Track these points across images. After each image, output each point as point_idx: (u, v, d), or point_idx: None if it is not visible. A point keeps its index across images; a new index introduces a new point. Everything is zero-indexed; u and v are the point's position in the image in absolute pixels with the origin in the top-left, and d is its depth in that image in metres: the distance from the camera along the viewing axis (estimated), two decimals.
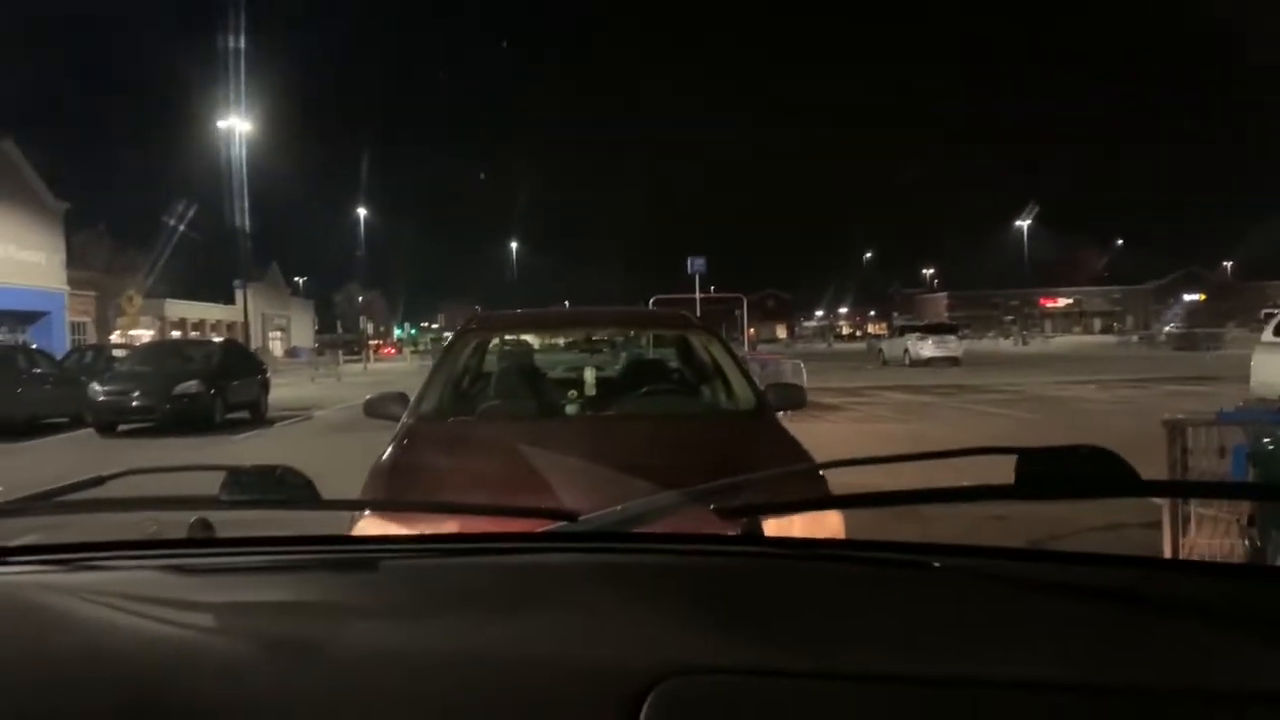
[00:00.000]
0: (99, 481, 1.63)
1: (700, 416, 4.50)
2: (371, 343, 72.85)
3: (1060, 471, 1.26)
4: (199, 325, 66.45)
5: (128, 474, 1.67)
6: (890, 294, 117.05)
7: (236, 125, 42.69)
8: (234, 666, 0.93)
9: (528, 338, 7.17)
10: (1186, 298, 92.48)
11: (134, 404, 15.67)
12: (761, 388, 4.72)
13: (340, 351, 64.25)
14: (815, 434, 8.44)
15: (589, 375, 5.30)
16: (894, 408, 17.81)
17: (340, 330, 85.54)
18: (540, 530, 1.38)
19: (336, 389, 29.03)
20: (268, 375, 19.62)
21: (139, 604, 1.07)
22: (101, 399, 15.74)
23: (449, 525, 1.85)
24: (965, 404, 18.07)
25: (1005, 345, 65.02)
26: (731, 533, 1.30)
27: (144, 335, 49.02)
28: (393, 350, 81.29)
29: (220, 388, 16.64)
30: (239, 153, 42.78)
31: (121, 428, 16.10)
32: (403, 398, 4.63)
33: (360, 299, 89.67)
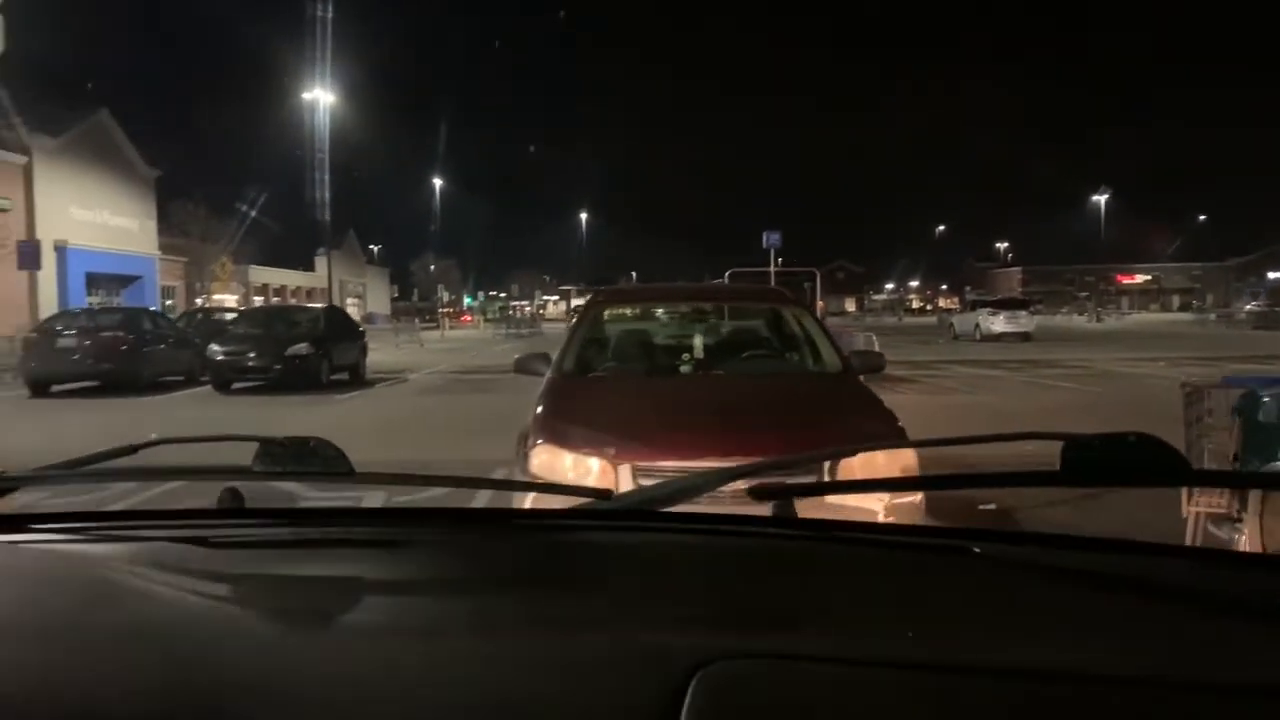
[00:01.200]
0: (132, 450, 1.63)
1: (795, 376, 5.36)
2: (442, 310, 74.72)
3: (1107, 458, 1.26)
4: (280, 291, 68.80)
5: (159, 443, 1.69)
6: (963, 268, 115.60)
7: (320, 97, 44.27)
8: (262, 641, 0.93)
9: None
10: (1270, 276, 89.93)
11: (249, 363, 16.98)
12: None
13: (417, 319, 66.20)
14: (890, 406, 9.13)
15: (698, 340, 6.15)
16: (962, 381, 18.38)
17: (414, 297, 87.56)
18: (571, 508, 1.38)
19: (421, 355, 30.32)
20: (366, 340, 20.90)
21: (166, 574, 1.07)
22: (220, 358, 17.09)
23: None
24: (1032, 378, 18.55)
25: (1079, 321, 64.24)
26: (763, 514, 1.27)
27: (229, 300, 51.24)
28: (469, 318, 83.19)
29: (326, 350, 17.90)
30: (322, 124, 44.36)
31: (236, 385, 17.44)
32: (546, 357, 5.56)
33: (433, 268, 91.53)
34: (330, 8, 38.60)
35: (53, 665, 0.83)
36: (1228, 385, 4.17)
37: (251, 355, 16.98)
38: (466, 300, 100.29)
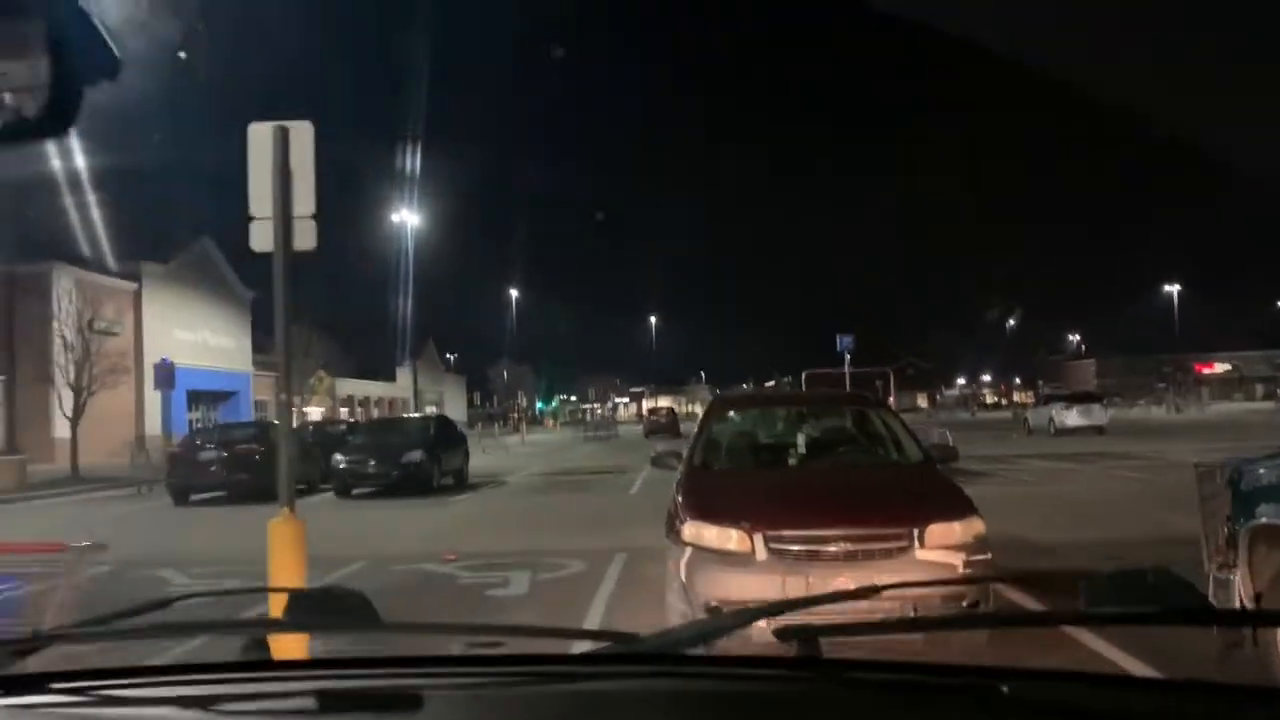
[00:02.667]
0: (165, 604, 1.66)
1: (883, 465, 6.61)
2: (515, 416, 77.00)
3: (1127, 597, 1.27)
4: (364, 402, 71.55)
5: (191, 596, 1.76)
6: (1036, 361, 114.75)
7: (406, 219, 47.20)
8: None
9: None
10: None
11: (370, 470, 18.59)
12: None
13: (496, 425, 68.22)
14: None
15: (799, 438, 7.41)
16: (1036, 473, 19.18)
17: (495, 403, 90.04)
18: (597, 652, 1.38)
19: (509, 459, 31.80)
20: (468, 447, 22.49)
21: None
22: (343, 466, 18.74)
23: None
24: (1103, 470, 19.27)
25: (1157, 413, 63.56)
26: (788, 655, 1.28)
27: (315, 412, 53.87)
28: (551, 423, 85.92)
29: (437, 457, 19.47)
30: (404, 246, 47.23)
31: (355, 491, 19.01)
32: (677, 455, 6.88)
33: (505, 375, 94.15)
34: (411, 139, 41.53)
35: None
36: (1231, 464, 5.20)
37: (371, 463, 18.59)
38: (539, 405, 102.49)
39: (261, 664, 1.45)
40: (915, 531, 5.22)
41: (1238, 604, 4.40)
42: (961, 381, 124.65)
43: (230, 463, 18.79)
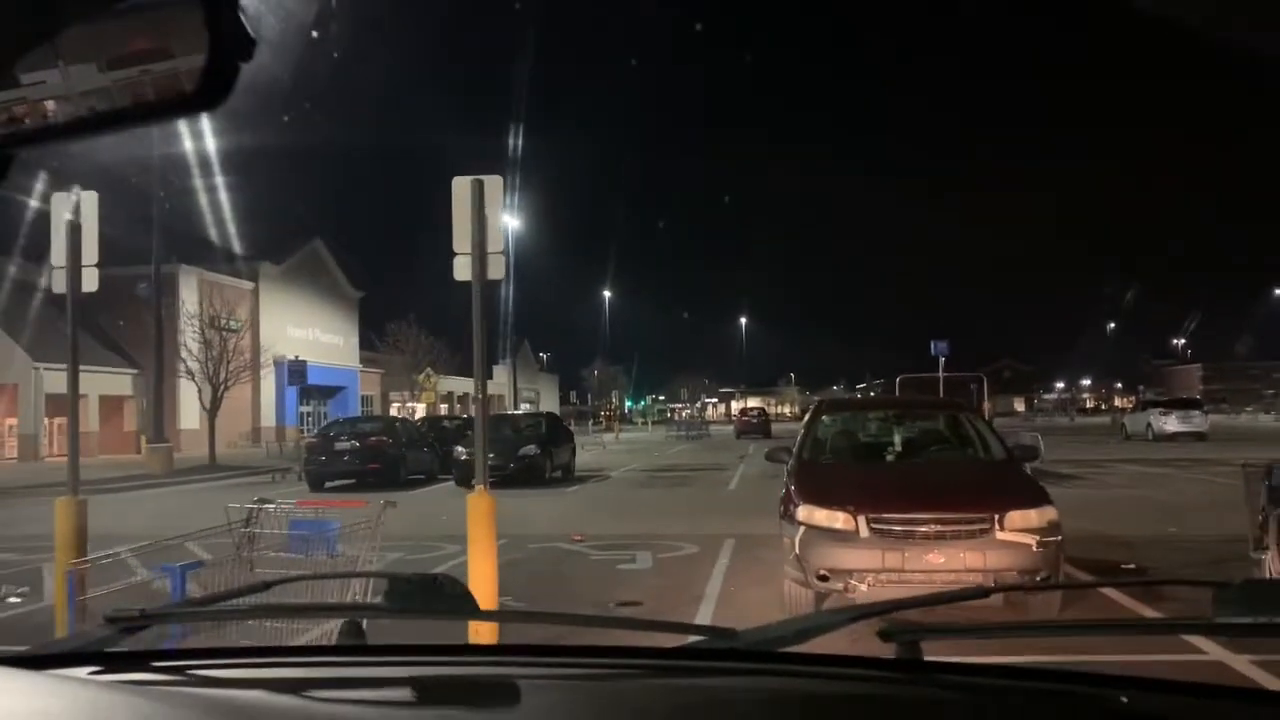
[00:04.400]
0: (265, 586, 1.73)
1: (971, 461, 7.59)
2: (607, 414, 78.75)
3: (1258, 606, 1.23)
4: (462, 399, 73.94)
5: (292, 580, 1.86)
6: (1139, 365, 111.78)
7: (506, 222, 48.91)
8: None
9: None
10: None
11: (489, 463, 20.01)
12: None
13: (590, 423, 69.90)
14: (1054, 497, 11.00)
15: (896, 437, 8.43)
16: (1127, 478, 19.63)
17: (590, 401, 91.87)
18: (695, 646, 1.36)
19: (608, 456, 33.14)
20: (575, 443, 23.88)
21: (283, 713, 1.11)
22: (464, 458, 20.22)
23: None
24: (1197, 476, 19.60)
25: (1266, 420, 61.79)
26: (888, 656, 1.26)
27: (420, 408, 56.17)
28: (642, 421, 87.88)
29: (549, 451, 20.87)
30: (507, 247, 48.94)
31: (474, 481, 20.45)
32: (787, 450, 7.95)
33: (596, 373, 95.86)
34: (516, 144, 43.20)
35: None
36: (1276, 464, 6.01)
37: (490, 456, 20.00)
38: (628, 404, 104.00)
39: (356, 649, 1.45)
40: (996, 516, 6.21)
41: (1269, 578, 5.28)
42: (1060, 386, 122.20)
43: (362, 453, 20.49)
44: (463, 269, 6.30)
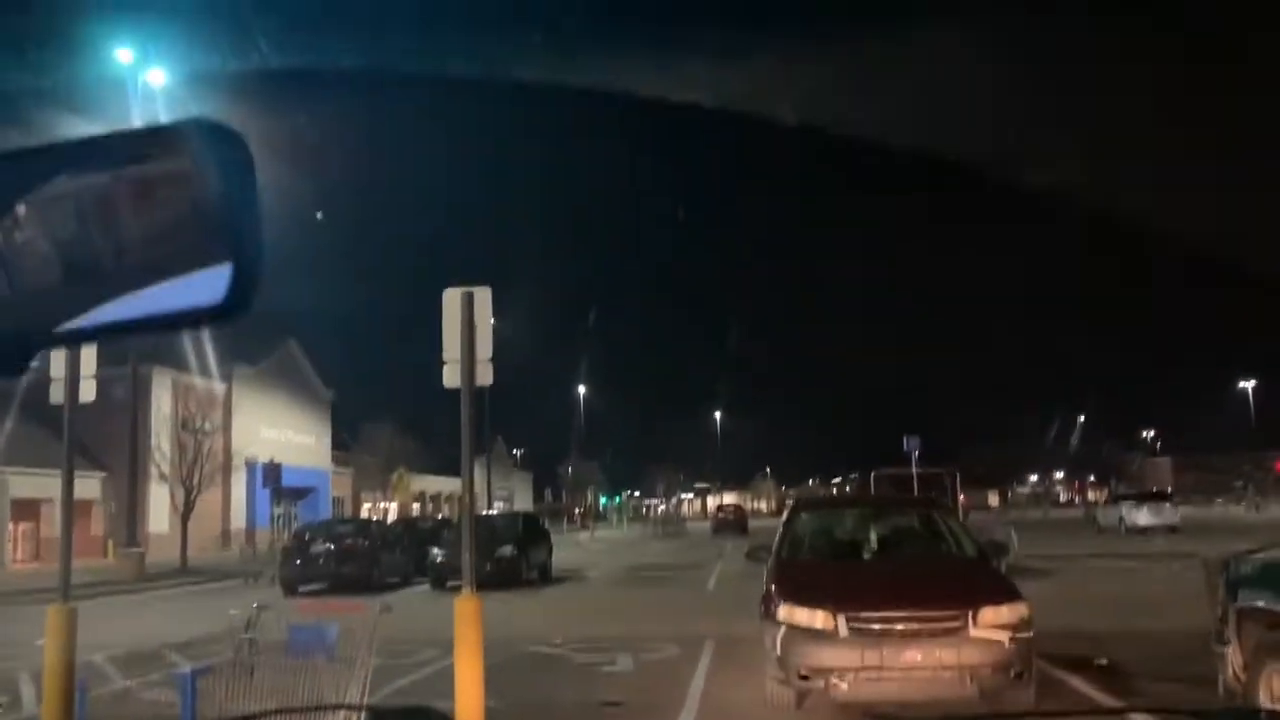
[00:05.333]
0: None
1: (944, 559, 7.82)
2: (581, 512, 78.29)
3: None
4: (435, 498, 73.32)
5: (263, 715, 1.83)
6: (1107, 458, 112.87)
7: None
8: None
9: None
10: None
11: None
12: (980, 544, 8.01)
13: (565, 521, 69.45)
14: (1025, 593, 11.19)
15: (873, 534, 8.64)
16: (1098, 573, 19.85)
17: (564, 498, 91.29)
18: None
19: (585, 555, 33.00)
20: (551, 542, 23.81)
21: None
22: (440, 560, 20.13)
23: None
24: (1165, 570, 19.83)
25: (1236, 511, 62.41)
26: None
27: (390, 508, 55.73)
28: (617, 519, 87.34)
29: (525, 551, 20.81)
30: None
31: (450, 584, 20.32)
32: (766, 549, 8.15)
33: (570, 470, 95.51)
34: (491, 240, 43.96)
35: None
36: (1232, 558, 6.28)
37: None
38: (603, 501, 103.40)
39: None
40: (969, 613, 6.42)
41: (1230, 673, 5.50)
42: (1034, 479, 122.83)
43: (337, 556, 20.33)
44: (452, 376, 6.56)
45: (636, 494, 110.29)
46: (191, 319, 1.05)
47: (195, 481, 29.16)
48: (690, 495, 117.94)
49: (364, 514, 50.80)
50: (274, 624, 4.82)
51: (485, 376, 6.61)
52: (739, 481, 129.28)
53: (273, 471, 26.34)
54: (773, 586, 7.19)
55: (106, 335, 1.07)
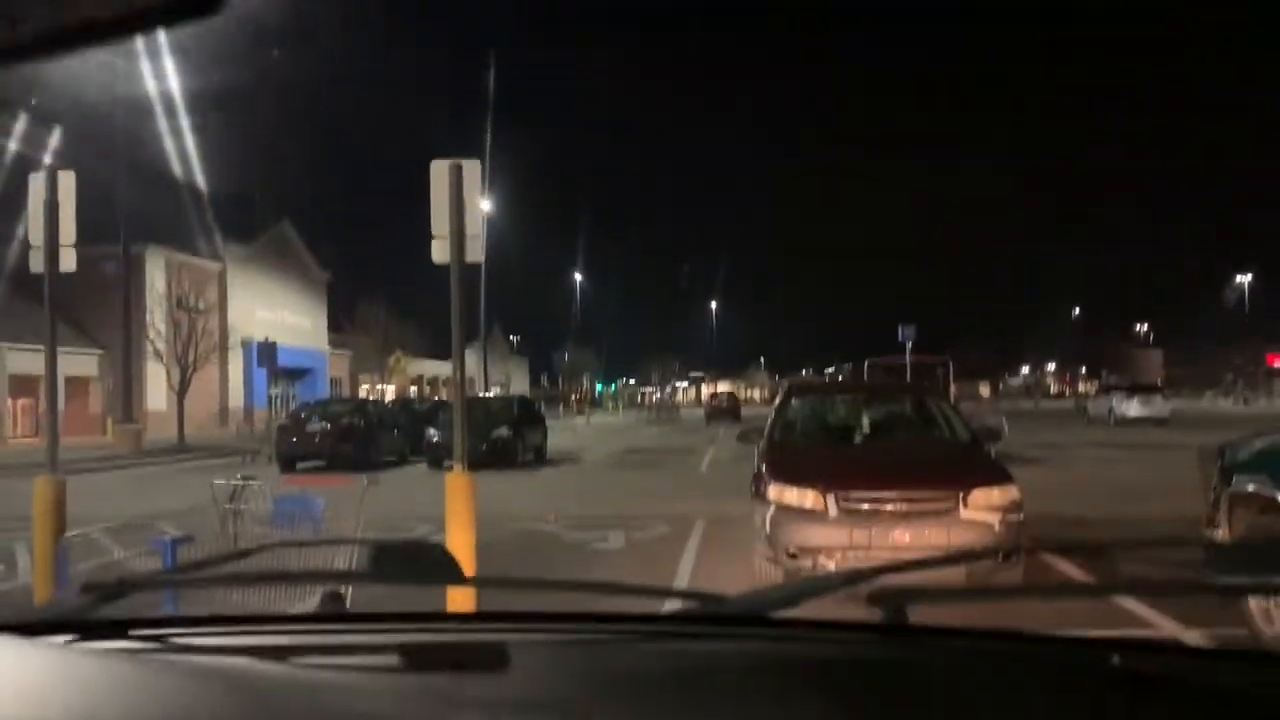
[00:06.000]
0: (244, 554, 1.72)
1: (935, 442, 7.80)
2: (577, 398, 78.85)
3: (1254, 566, 1.29)
4: (432, 382, 73.72)
5: (272, 548, 1.81)
6: (1102, 350, 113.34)
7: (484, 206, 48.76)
8: None
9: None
10: None
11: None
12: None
13: (561, 406, 70.01)
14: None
15: (865, 419, 8.63)
16: (1087, 461, 20.05)
17: (558, 385, 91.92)
18: (685, 612, 1.36)
19: (577, 439, 33.31)
20: (546, 425, 23.99)
21: (261, 681, 1.06)
22: (436, 440, 20.28)
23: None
24: (1154, 459, 20.05)
25: (1225, 405, 63.05)
26: (875, 620, 1.26)
27: (390, 390, 56.03)
28: (612, 405, 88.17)
29: (521, 433, 20.99)
30: (481, 234, 48.78)
31: (446, 463, 20.50)
32: (758, 431, 8.13)
33: (567, 357, 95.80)
34: (480, 121, 43.02)
35: None
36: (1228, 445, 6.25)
37: None
38: (599, 388, 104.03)
39: (339, 616, 1.43)
40: (960, 495, 6.42)
41: None
42: (1026, 370, 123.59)
43: (334, 435, 20.49)
44: (440, 252, 6.39)
45: (632, 382, 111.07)
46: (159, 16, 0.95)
47: (190, 360, 29.16)
48: (685, 384, 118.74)
49: (362, 395, 50.98)
50: (260, 496, 4.80)
51: (475, 252, 6.45)
52: (734, 371, 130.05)
53: (268, 350, 26.32)
54: (764, 467, 7.19)
55: (60, 45, 0.94)
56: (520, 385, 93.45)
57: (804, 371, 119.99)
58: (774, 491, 6.70)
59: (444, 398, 52.45)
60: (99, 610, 1.35)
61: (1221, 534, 5.63)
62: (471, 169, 6.41)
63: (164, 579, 1.82)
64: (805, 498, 6.53)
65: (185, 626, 1.33)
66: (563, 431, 38.06)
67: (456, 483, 6.47)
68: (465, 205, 6.37)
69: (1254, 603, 5.18)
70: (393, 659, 1.14)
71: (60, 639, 1.22)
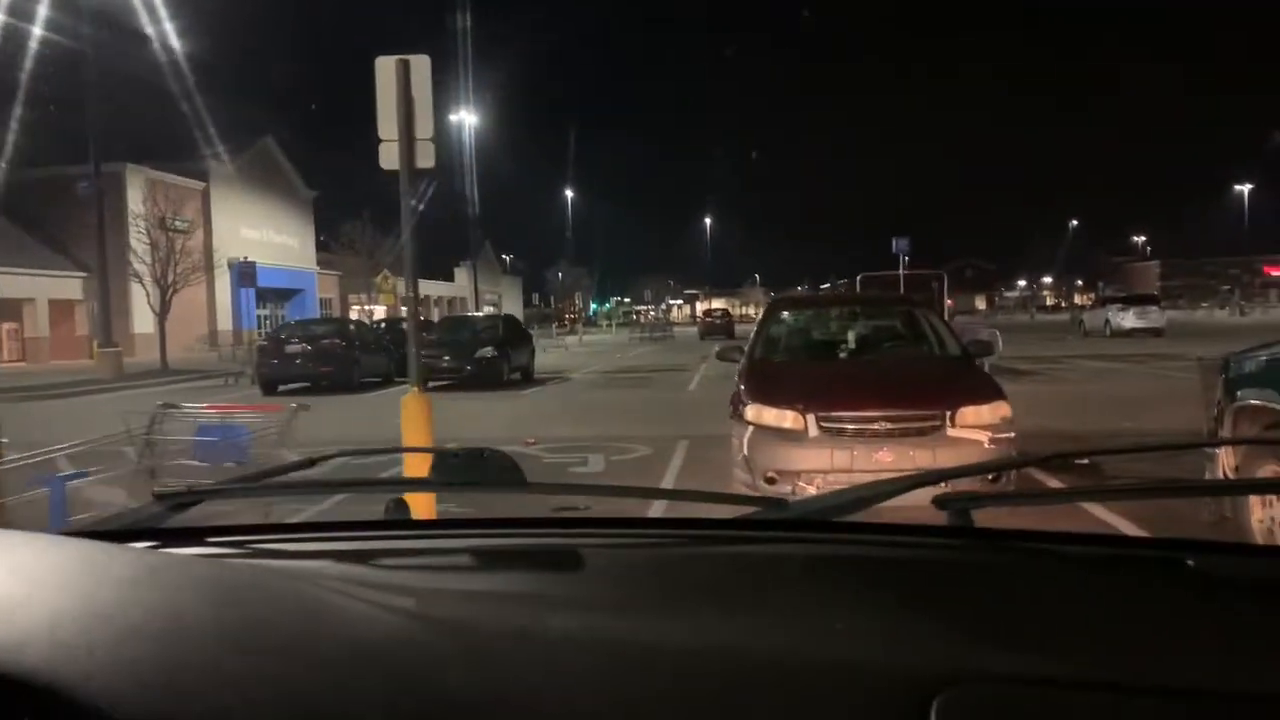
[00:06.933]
0: (310, 463, 1.69)
1: (924, 358, 7.42)
2: (572, 316, 78.37)
3: None
4: (423, 301, 73.10)
5: (337, 455, 1.76)
6: (1098, 263, 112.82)
7: (464, 118, 47.72)
8: (430, 656, 0.88)
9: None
10: None
11: (444, 365, 19.71)
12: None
13: (554, 325, 69.58)
14: (1008, 393, 10.87)
15: (850, 334, 8.23)
16: (1083, 373, 19.75)
17: (551, 304, 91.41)
18: (750, 517, 1.35)
19: (570, 358, 32.97)
20: (533, 345, 23.59)
21: (340, 585, 1.05)
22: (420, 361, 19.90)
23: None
24: (1151, 370, 19.79)
25: (1221, 316, 62.81)
26: (941, 523, 1.24)
27: (379, 310, 55.48)
28: (606, 323, 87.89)
29: (506, 353, 20.59)
30: (464, 144, 47.81)
31: (431, 384, 20.18)
32: (740, 349, 7.74)
33: (561, 275, 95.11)
34: (468, 29, 41.73)
35: (222, 673, 0.76)
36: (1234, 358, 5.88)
37: (446, 358, 19.73)
38: (594, 306, 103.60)
39: (413, 523, 1.45)
40: (947, 413, 6.05)
41: (1221, 473, 5.18)
42: (1022, 284, 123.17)
43: (314, 356, 20.08)
44: (389, 157, 5.91)
45: (628, 300, 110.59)
46: None
47: (170, 281, 28.57)
48: (680, 302, 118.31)
49: (352, 316, 50.48)
50: (183, 425, 4.43)
51: (426, 158, 5.96)
52: (730, 288, 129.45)
53: (247, 270, 25.78)
54: (742, 386, 6.81)
55: None
56: (513, 304, 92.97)
57: (800, 287, 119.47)
58: (751, 411, 6.33)
59: (436, 317, 52.10)
60: (172, 519, 1.39)
61: (1225, 450, 5.28)
62: (420, 65, 5.89)
63: (234, 488, 1.83)
64: (784, 418, 6.16)
65: (263, 534, 1.35)
66: (553, 350, 37.77)
67: (411, 405, 6.09)
68: (415, 105, 5.87)
69: (1256, 517, 4.88)
70: (470, 560, 1.22)
71: (138, 546, 1.23)
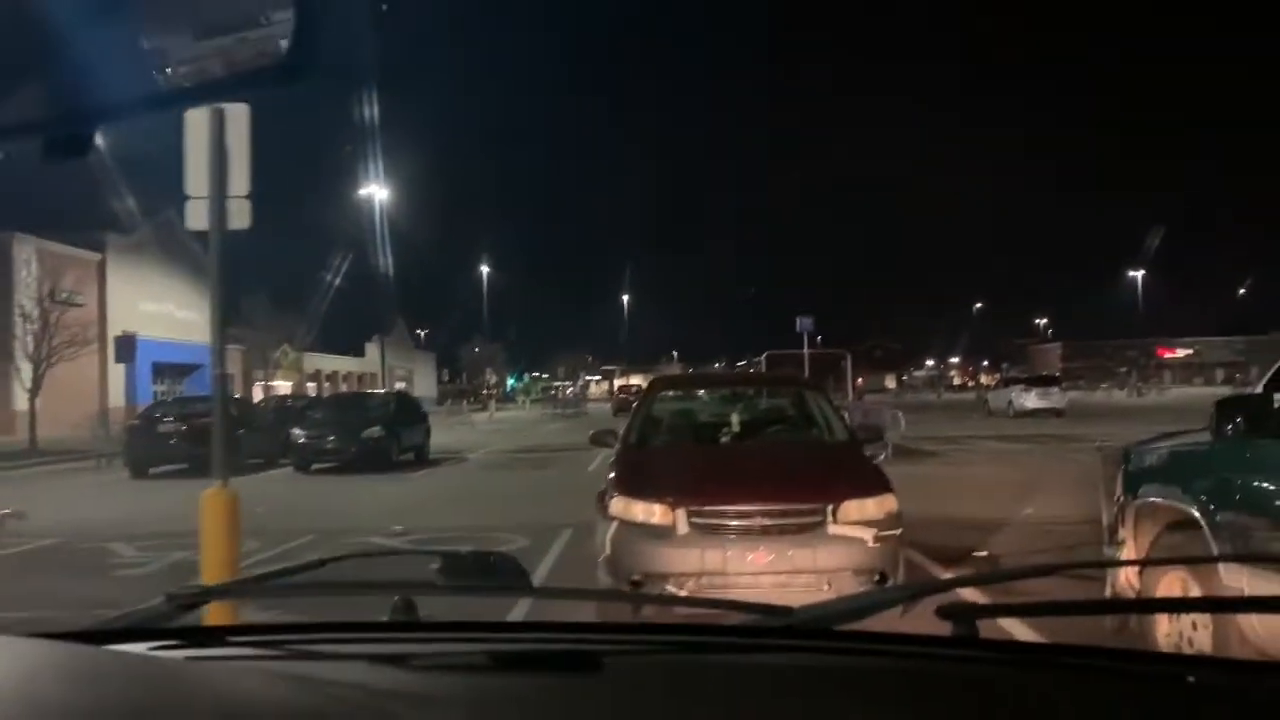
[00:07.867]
0: (320, 564, 1.66)
1: (809, 444, 6.85)
2: (486, 393, 77.00)
3: None
4: (331, 377, 71.22)
5: (347, 558, 1.75)
6: (1003, 343, 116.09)
7: (375, 194, 46.97)
8: None
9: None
10: None
11: (328, 446, 18.68)
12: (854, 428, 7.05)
13: (465, 402, 68.19)
14: (908, 475, 10.43)
15: (734, 417, 7.65)
16: (986, 455, 19.59)
17: (465, 380, 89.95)
18: (756, 625, 1.36)
19: (474, 436, 31.97)
20: (429, 423, 22.60)
21: (355, 691, 1.06)
22: (302, 441, 18.81)
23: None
24: (1052, 452, 19.71)
25: (1119, 396, 64.63)
26: (946, 634, 1.23)
27: (284, 386, 53.65)
28: (522, 400, 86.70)
29: (396, 433, 19.58)
30: (374, 221, 47.05)
31: (315, 466, 19.07)
32: (614, 433, 7.08)
33: (477, 350, 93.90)
34: (380, 117, 41.25)
35: None
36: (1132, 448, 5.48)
37: (330, 438, 18.70)
38: (510, 382, 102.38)
39: (422, 625, 1.45)
40: (829, 507, 5.46)
41: (1123, 576, 4.67)
42: (930, 363, 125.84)
43: (190, 436, 18.75)
44: (197, 216, 5.17)
45: (545, 376, 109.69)
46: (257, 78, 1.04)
47: (43, 354, 26.86)
48: (598, 377, 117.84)
49: (256, 393, 48.57)
50: None
51: (241, 218, 5.23)
52: (646, 364, 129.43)
53: (126, 343, 24.34)
54: (611, 475, 6.15)
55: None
56: (426, 380, 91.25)
57: (716, 365, 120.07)
58: (617, 505, 5.66)
59: (345, 391, 50.38)
60: (184, 618, 1.41)
61: (1125, 552, 4.78)
62: (237, 115, 5.19)
63: (245, 589, 1.85)
64: (652, 512, 5.50)
65: (284, 634, 1.34)
66: (458, 428, 36.68)
67: (210, 504, 5.23)
68: (230, 159, 5.16)
69: (1163, 631, 4.35)
70: (484, 663, 1.20)
71: (142, 647, 1.25)
